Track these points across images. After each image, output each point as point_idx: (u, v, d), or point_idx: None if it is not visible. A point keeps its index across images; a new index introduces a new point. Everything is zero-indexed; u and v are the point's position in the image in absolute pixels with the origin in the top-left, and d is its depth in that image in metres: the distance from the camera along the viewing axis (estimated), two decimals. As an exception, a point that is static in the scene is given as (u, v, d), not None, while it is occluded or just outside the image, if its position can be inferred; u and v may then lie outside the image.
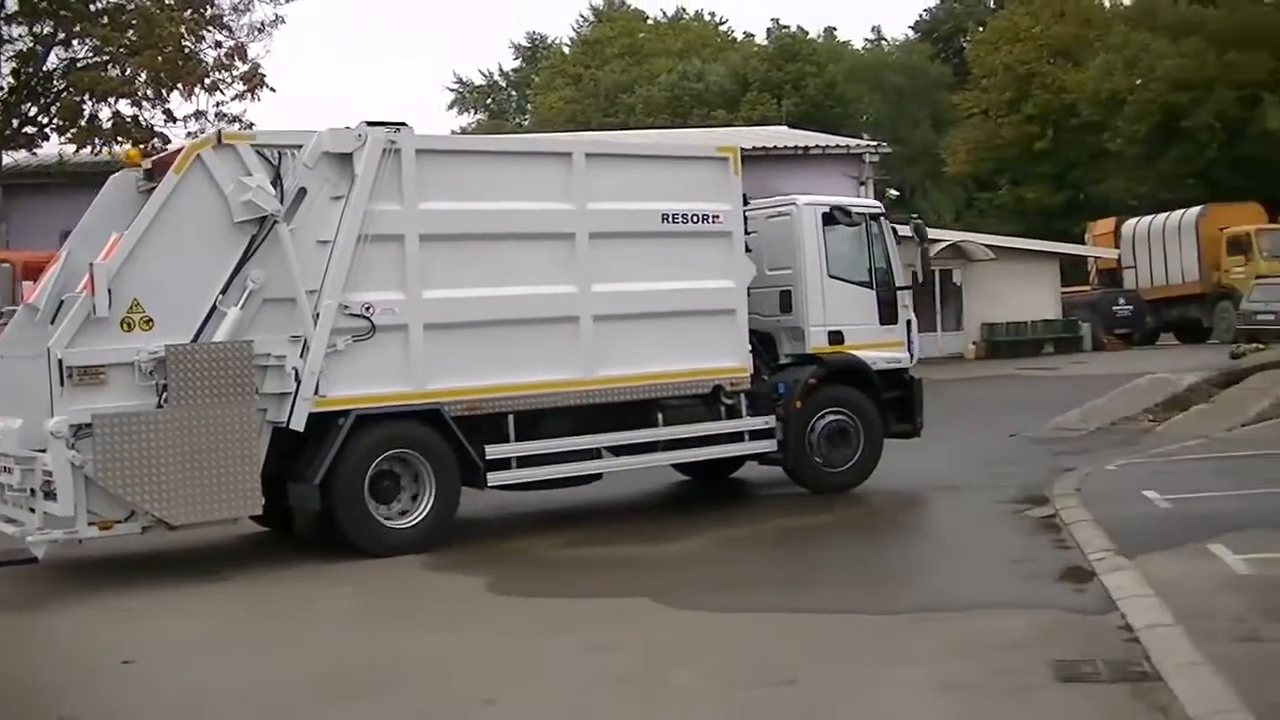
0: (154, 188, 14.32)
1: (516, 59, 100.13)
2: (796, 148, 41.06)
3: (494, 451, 14.48)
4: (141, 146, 18.87)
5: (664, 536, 14.76)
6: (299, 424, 13.50)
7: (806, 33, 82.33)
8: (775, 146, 39.96)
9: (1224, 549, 11.50)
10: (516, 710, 8.83)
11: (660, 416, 15.56)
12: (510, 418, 14.61)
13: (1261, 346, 31.17)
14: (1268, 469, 15.98)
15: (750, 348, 16.03)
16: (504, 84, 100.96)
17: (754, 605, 11.49)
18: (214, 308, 13.29)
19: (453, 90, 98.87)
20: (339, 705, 9.10)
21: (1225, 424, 21.44)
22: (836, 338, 16.95)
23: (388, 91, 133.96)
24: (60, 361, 12.72)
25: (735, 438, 16.06)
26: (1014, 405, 24.65)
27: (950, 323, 43.40)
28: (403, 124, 14.22)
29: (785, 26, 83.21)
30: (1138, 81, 60.88)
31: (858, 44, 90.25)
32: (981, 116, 71.33)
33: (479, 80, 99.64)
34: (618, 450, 15.25)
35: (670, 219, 15.48)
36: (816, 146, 40.17)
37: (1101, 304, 46.14)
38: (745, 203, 16.32)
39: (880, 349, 17.31)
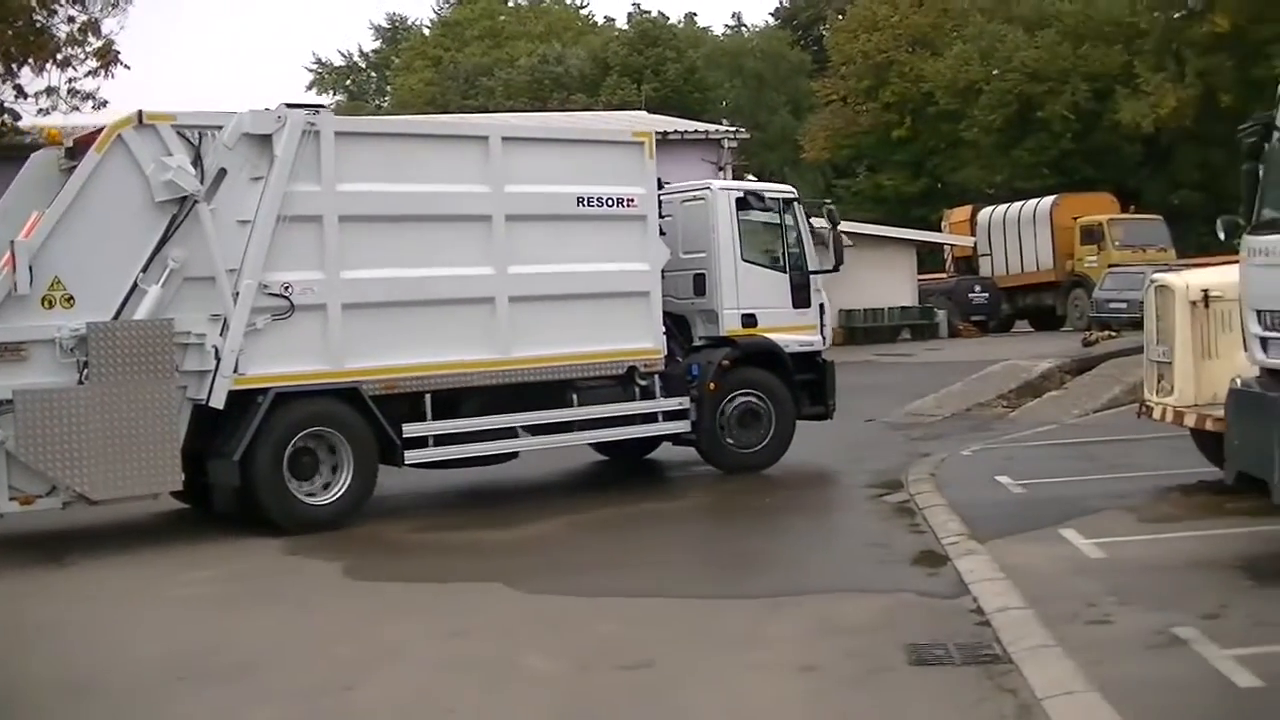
0: (75, 166, 14.26)
1: (376, 40, 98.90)
2: (656, 133, 40.04)
3: (411, 430, 14.61)
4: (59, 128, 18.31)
5: (518, 520, 14.55)
6: (218, 401, 13.53)
7: (667, 18, 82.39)
8: None
9: (1074, 533, 11.77)
10: (375, 696, 8.66)
11: (575, 397, 15.78)
12: (427, 397, 14.76)
13: (1113, 334, 31.65)
14: (1118, 454, 16.28)
15: (664, 330, 16.28)
16: (364, 65, 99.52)
17: (609, 589, 11.35)
18: (135, 286, 13.26)
19: (312, 71, 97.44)
20: (194, 688, 8.96)
21: (1077, 410, 22.02)
22: (750, 321, 17.22)
23: (247, 71, 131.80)
24: None
25: (649, 418, 16.31)
26: (872, 391, 24.66)
27: None
28: (321, 107, 14.30)
29: (646, 12, 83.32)
30: (994, 72, 61.78)
31: (718, 30, 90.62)
32: (840, 104, 71.45)
33: (338, 61, 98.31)
34: (534, 429, 15.46)
35: (585, 202, 15.69)
36: (675, 132, 39.35)
37: (958, 291, 46.51)
38: (660, 187, 16.58)
39: (793, 332, 17.60)
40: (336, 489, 14.23)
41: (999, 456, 17.20)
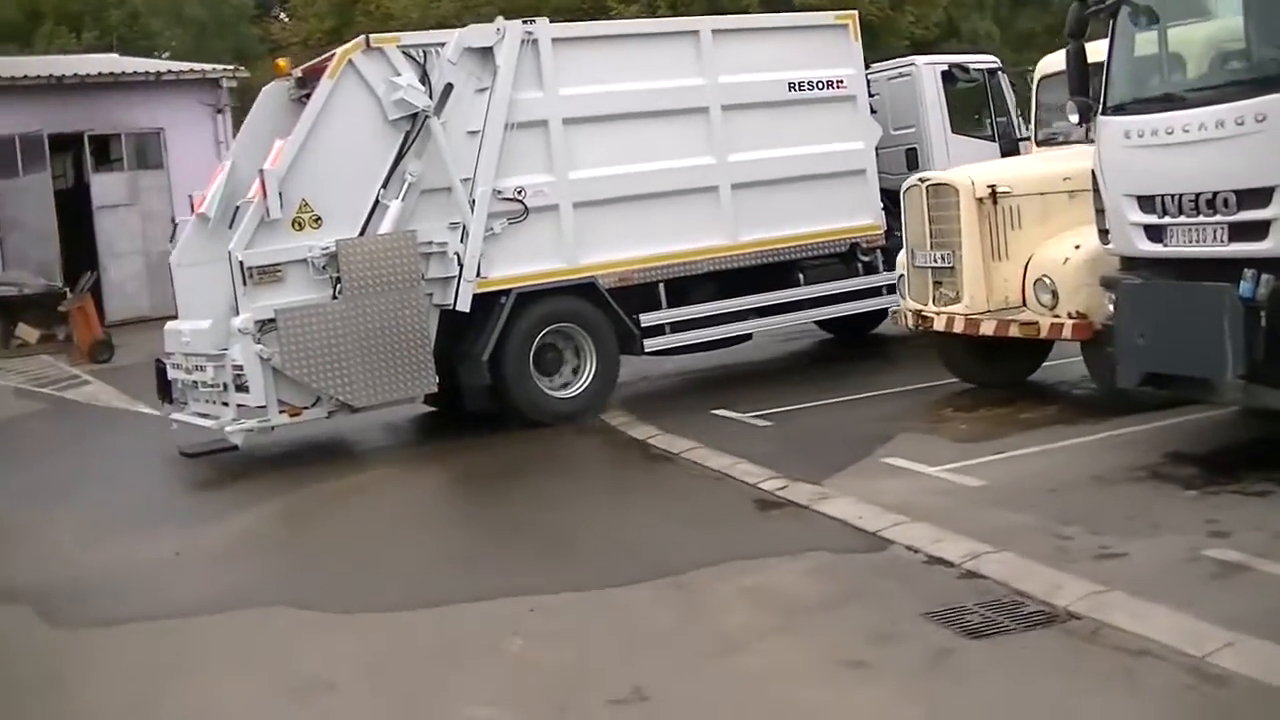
0: (306, 95, 14.46)
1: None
2: (149, 74, 35.21)
3: (648, 319, 14.55)
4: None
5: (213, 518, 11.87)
6: (464, 305, 13.62)
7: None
8: (126, 73, 34.40)
9: (907, 461, 10.52)
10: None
11: (801, 276, 15.50)
12: (661, 286, 14.69)
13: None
14: (819, 372, 15.94)
15: (882, 206, 15.85)
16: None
17: (421, 598, 8.60)
18: (376, 202, 13.35)
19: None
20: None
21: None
22: None
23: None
24: (241, 263, 12.83)
25: (874, 292, 15.87)
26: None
27: None
28: (534, 19, 14.27)
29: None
30: (464, 8, 51.89)
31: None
32: (301, 46, 57.26)
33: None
34: (763, 311, 15.20)
35: (796, 86, 15.35)
36: (170, 72, 35.36)
37: None
38: (865, 66, 16.10)
39: None
40: (581, 382, 14.26)
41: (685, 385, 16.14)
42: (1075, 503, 8.87)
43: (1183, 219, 9.19)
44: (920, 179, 12.83)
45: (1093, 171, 10.21)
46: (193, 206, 14.84)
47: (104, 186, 32.19)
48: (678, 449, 12.30)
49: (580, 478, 12.49)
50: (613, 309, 14.30)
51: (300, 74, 14.64)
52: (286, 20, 65.29)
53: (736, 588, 8.04)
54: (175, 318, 14.28)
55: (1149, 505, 8.68)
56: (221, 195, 14.09)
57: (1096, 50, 10.32)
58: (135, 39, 51.14)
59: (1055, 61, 13.07)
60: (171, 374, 14.32)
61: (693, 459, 11.87)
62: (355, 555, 10.08)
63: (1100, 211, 10.17)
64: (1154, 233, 9.48)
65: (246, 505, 12.11)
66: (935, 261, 12.40)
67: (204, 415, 13.86)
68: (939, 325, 12.37)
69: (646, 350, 14.67)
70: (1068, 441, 10.59)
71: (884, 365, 15.70)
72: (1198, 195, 9.01)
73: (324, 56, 14.42)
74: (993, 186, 11.90)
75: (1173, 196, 9.22)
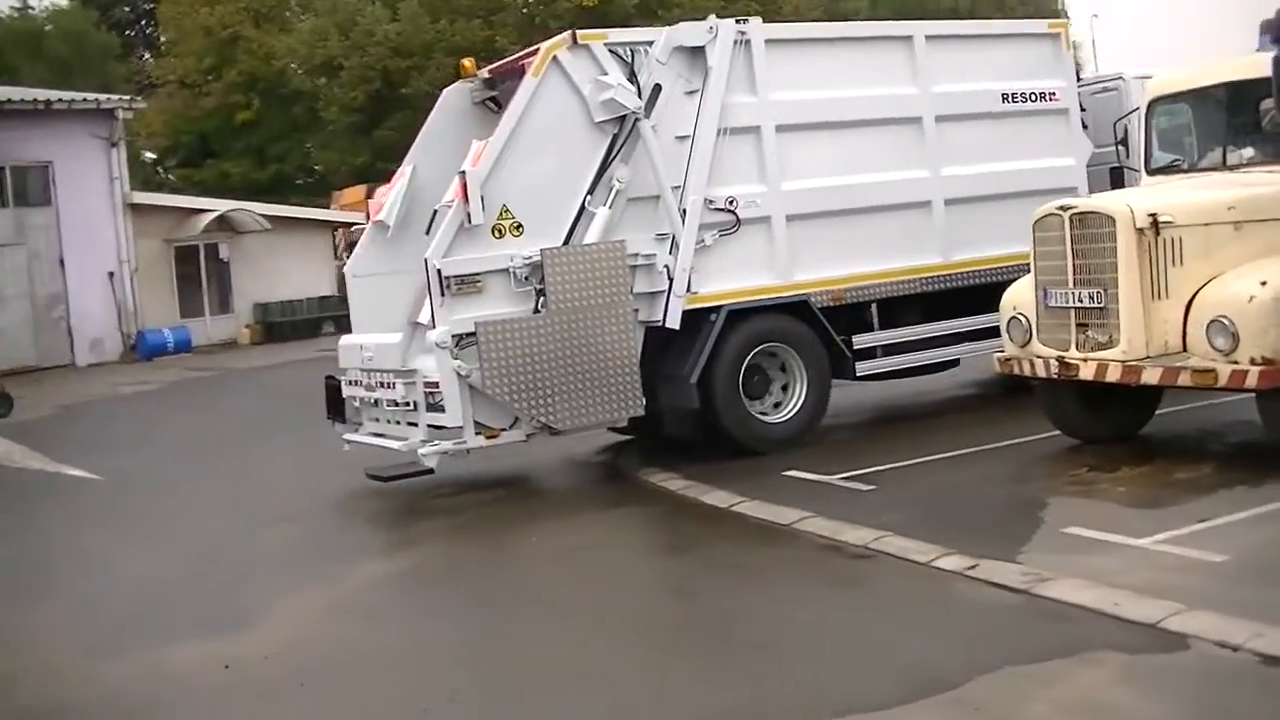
0: (491, 97, 13.60)
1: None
2: (36, 102, 34.37)
3: (861, 341, 13.44)
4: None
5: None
6: (674, 322, 12.52)
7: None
8: (11, 100, 33.64)
9: (1086, 530, 9.04)
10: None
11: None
12: (874, 306, 13.58)
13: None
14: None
15: None
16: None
17: None
18: (582, 209, 12.29)
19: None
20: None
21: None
22: None
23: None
24: (439, 271, 11.71)
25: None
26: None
27: (219, 305, 38.39)
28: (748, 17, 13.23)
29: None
30: (352, 47, 53.54)
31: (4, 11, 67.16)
32: (178, 86, 60.16)
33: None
34: (974, 335, 13.99)
35: (1010, 98, 14.28)
36: (60, 101, 34.13)
37: None
38: (1078, 79, 15.00)
39: None
40: (791, 406, 13.09)
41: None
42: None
43: None
44: (1061, 206, 10.97)
45: None
46: (368, 215, 13.77)
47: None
48: (786, 520, 10.33)
49: (710, 561, 9.98)
50: (825, 329, 13.17)
51: (488, 74, 13.65)
52: (151, 59, 63.82)
53: (1049, 704, 6.34)
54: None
55: None
56: (402, 201, 13.14)
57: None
58: (-5, 76, 47.95)
59: (1171, 82, 12.08)
60: (348, 391, 13.21)
61: (817, 532, 9.94)
62: (557, 670, 7.68)
63: None
64: None
65: (330, 579, 10.13)
66: (1080, 301, 10.73)
67: (382, 435, 12.79)
68: (1087, 374, 10.70)
69: (859, 374, 13.51)
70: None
71: (952, 417, 14.37)
72: None
73: (516, 56, 13.50)
74: (1154, 216, 10.27)
75: None
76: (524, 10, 53.90)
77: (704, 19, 13.09)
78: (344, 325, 14.02)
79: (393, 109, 52.18)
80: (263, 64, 57.49)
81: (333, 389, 13.50)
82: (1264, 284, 9.74)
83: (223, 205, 38.79)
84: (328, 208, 45.12)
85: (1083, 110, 14.92)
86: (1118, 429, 11.66)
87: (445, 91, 13.99)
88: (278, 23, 58.78)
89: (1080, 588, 7.79)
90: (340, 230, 42.99)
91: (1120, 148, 14.28)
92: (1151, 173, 12.10)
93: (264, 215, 38.84)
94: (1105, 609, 7.42)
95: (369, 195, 42.71)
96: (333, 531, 12.19)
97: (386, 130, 51.87)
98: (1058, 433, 11.88)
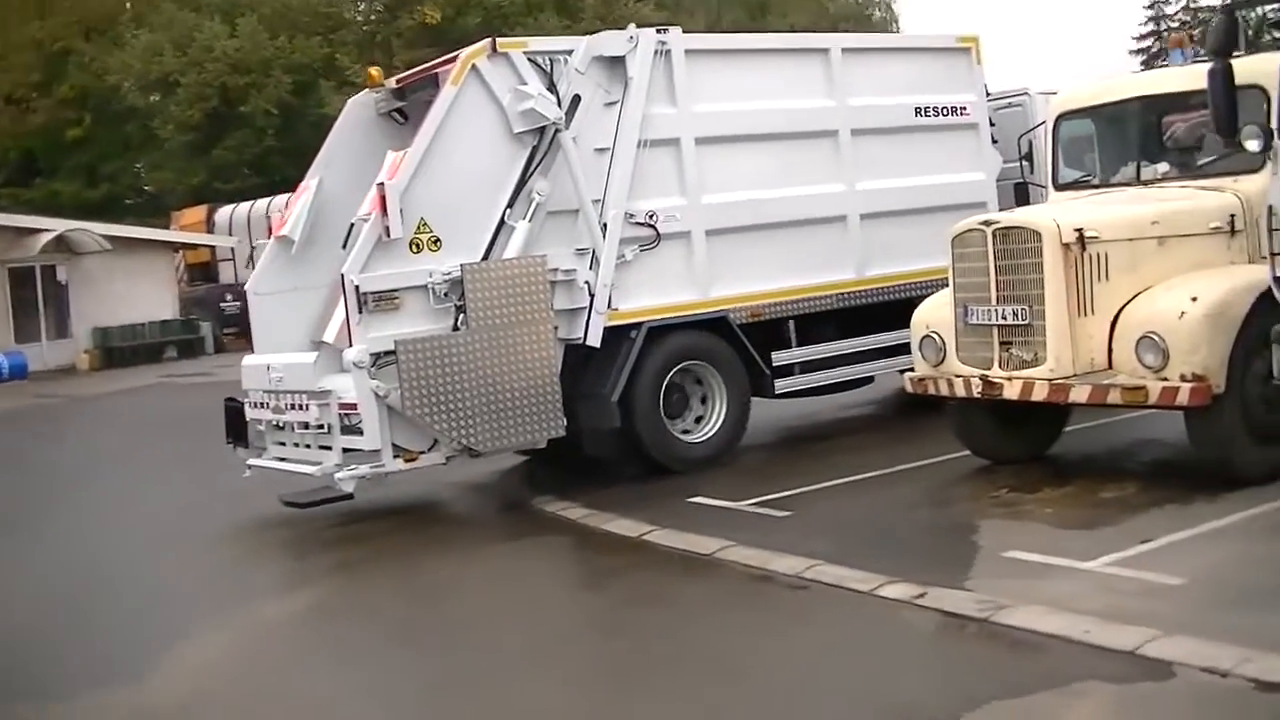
0: (398, 108, 13.10)
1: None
2: None
3: (780, 358, 13.22)
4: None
5: None
6: (595, 339, 12.18)
7: None
8: None
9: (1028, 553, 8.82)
10: None
11: None
12: (791, 322, 13.36)
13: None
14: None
15: None
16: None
17: None
18: (501, 222, 11.84)
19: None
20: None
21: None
22: None
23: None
24: (357, 288, 11.19)
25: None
26: (196, 418, 16.99)
27: (56, 329, 37.39)
28: (667, 26, 12.90)
29: None
30: (190, 64, 52.77)
31: None
32: (4, 102, 58.54)
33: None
34: (890, 351, 13.81)
35: (923, 112, 14.17)
36: None
37: (209, 300, 40.29)
38: (986, 94, 14.94)
39: None
40: (709, 425, 12.82)
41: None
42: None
43: None
44: (984, 222, 10.57)
45: (1270, 208, 9.09)
46: (270, 229, 13.14)
47: None
48: (706, 550, 9.83)
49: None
50: (744, 346, 12.93)
51: (396, 84, 13.09)
52: None
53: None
54: None
55: None
56: (307, 216, 12.60)
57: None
58: None
59: (1077, 97, 12.08)
60: (252, 414, 12.59)
61: (743, 562, 9.44)
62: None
63: (1277, 255, 9.02)
64: None
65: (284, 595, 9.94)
66: (1003, 318, 10.36)
67: (287, 460, 12.22)
68: (1011, 393, 10.32)
69: (777, 392, 13.27)
70: (1218, 523, 8.92)
71: (855, 438, 14.04)
72: None
73: (427, 65, 13.02)
74: (1080, 231, 10.00)
75: None
76: (365, 28, 53.89)
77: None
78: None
79: (231, 127, 51.14)
80: (95, 80, 55.64)
81: (233, 411, 12.86)
82: (1194, 300, 9.59)
83: (61, 225, 37.24)
84: (166, 229, 43.74)
85: (991, 125, 14.89)
86: (1030, 449, 11.54)
87: (350, 102, 13.47)
88: (111, 37, 56.74)
89: (1043, 615, 7.52)
90: (181, 252, 42.11)
91: (1024, 163, 14.31)
92: (1059, 188, 12.00)
93: (104, 236, 37.37)
94: (1075, 637, 7.14)
95: (208, 217, 41.97)
96: (229, 565, 11.50)
97: (224, 149, 51.13)
98: (967, 453, 11.71)
